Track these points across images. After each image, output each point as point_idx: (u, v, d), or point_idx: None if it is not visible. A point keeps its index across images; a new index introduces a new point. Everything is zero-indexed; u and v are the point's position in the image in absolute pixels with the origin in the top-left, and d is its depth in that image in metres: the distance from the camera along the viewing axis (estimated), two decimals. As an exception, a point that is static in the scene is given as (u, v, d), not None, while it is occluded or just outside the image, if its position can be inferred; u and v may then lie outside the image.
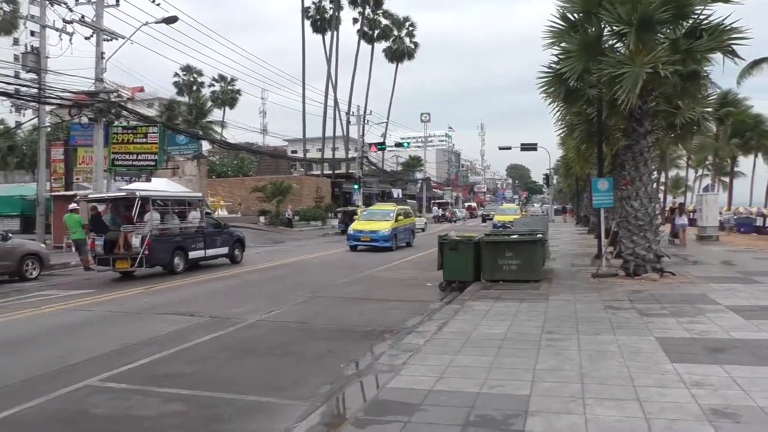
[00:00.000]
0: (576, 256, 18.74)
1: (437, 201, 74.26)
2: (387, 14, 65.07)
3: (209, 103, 55.41)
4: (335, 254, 22.75)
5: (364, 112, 53.96)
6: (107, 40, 21.66)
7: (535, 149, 49.80)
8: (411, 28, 66.93)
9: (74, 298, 12.35)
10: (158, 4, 23.66)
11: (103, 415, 5.48)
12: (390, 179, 69.63)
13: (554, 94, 13.20)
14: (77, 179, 27.83)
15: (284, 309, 10.74)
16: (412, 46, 67.39)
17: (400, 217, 25.48)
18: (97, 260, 16.00)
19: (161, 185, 24.25)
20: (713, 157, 44.03)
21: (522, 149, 49.51)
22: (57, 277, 16.52)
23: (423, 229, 40.48)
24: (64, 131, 30.50)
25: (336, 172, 59.14)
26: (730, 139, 40.25)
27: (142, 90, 39.57)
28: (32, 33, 30.70)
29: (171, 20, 22.67)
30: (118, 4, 22.04)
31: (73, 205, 18.79)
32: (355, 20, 63.34)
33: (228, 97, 67.26)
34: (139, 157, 24.03)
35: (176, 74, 65.10)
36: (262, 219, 40.21)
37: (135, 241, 15.41)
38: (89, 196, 18.81)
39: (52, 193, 25.84)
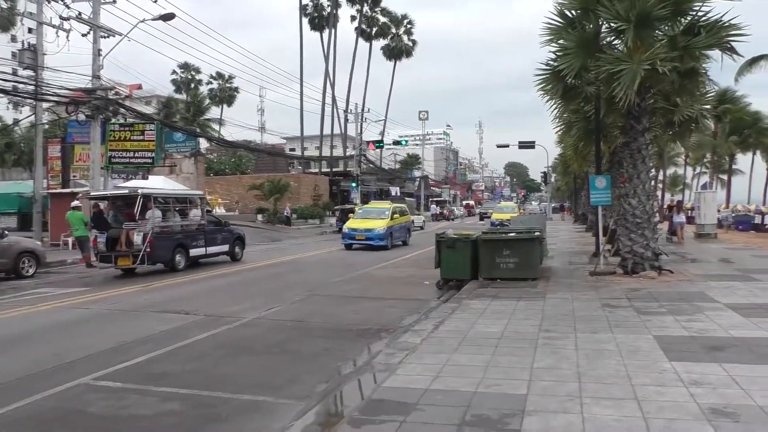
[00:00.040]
0: (574, 254, 18.74)
1: (435, 199, 74.27)
2: (385, 12, 65.03)
3: (207, 101, 55.38)
4: (332, 252, 22.72)
5: (362, 109, 53.87)
6: (104, 37, 21.57)
7: (533, 147, 49.82)
8: (409, 26, 66.92)
9: (70, 295, 12.32)
10: (155, 1, 23.60)
11: (98, 414, 5.44)
12: (388, 177, 69.63)
13: (552, 92, 13.18)
14: (74, 176, 27.75)
15: (281, 307, 10.70)
16: (410, 44, 67.35)
17: (395, 216, 25.11)
18: (99, 257, 16.10)
19: (158, 183, 24.11)
20: (711, 155, 44.12)
21: (520, 147, 49.45)
22: (53, 274, 16.48)
23: (422, 227, 40.49)
24: (62, 128, 30.38)
25: (334, 170, 59.09)
26: (728, 137, 40.29)
27: (140, 87, 39.51)
28: (30, 30, 30.62)
29: (168, 17, 22.60)
30: (115, 1, 21.93)
31: (75, 203, 18.86)
32: (353, 18, 63.30)
33: (226, 95, 67.25)
34: (136, 155, 23.93)
35: (174, 72, 65.18)
36: (259, 217, 40.13)
37: (137, 238, 15.50)
38: (92, 193, 18.84)
39: (49, 191, 25.81)
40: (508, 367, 6.02)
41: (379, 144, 60.79)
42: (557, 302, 9.69)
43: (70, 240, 21.77)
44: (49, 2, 21.59)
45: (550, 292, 10.82)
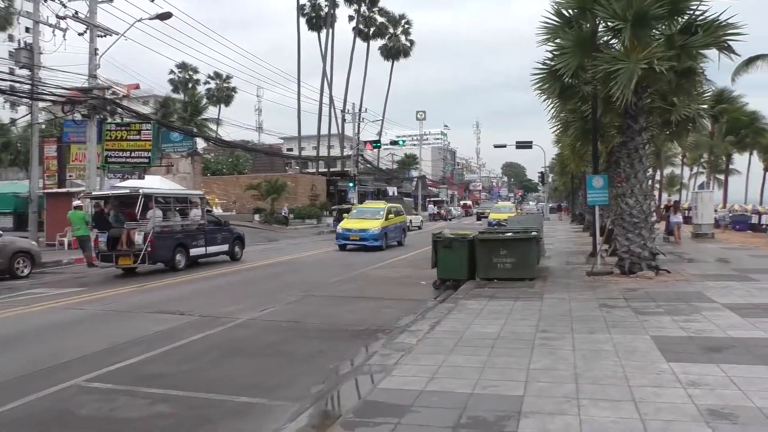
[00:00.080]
0: (571, 254, 18.70)
1: (433, 199, 74.30)
2: (382, 12, 64.88)
3: (204, 101, 55.29)
4: (329, 252, 22.67)
5: (360, 109, 53.78)
6: (101, 36, 21.53)
7: (530, 147, 49.75)
8: (407, 26, 66.77)
9: (65, 296, 12.24)
10: (152, 0, 23.54)
11: (90, 415, 5.39)
12: (385, 177, 69.57)
13: (549, 91, 13.14)
14: (70, 176, 27.68)
15: (277, 308, 10.65)
16: (408, 44, 67.20)
17: (390, 216, 24.83)
18: (100, 257, 16.11)
19: (155, 183, 24.09)
20: (708, 155, 44.15)
21: (517, 147, 49.42)
22: (49, 275, 16.39)
23: (420, 227, 40.45)
24: (58, 128, 30.28)
25: (331, 170, 58.97)
26: (725, 137, 40.29)
27: (137, 87, 39.39)
28: (27, 29, 30.51)
29: (165, 16, 22.53)
30: (111, 1, 21.93)
31: (77, 202, 18.86)
32: (350, 18, 63.17)
33: (223, 95, 67.08)
34: (133, 155, 23.83)
35: (171, 71, 64.91)
36: (257, 217, 40.06)
37: (138, 238, 15.54)
38: (93, 193, 18.83)
39: (45, 191, 25.69)
40: (504, 368, 5.97)
41: (376, 144, 60.75)
42: (554, 302, 9.65)
43: (65, 240, 21.73)
44: (45, 1, 21.57)
45: (547, 292, 10.78)
